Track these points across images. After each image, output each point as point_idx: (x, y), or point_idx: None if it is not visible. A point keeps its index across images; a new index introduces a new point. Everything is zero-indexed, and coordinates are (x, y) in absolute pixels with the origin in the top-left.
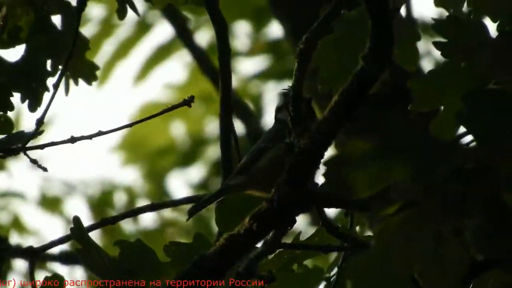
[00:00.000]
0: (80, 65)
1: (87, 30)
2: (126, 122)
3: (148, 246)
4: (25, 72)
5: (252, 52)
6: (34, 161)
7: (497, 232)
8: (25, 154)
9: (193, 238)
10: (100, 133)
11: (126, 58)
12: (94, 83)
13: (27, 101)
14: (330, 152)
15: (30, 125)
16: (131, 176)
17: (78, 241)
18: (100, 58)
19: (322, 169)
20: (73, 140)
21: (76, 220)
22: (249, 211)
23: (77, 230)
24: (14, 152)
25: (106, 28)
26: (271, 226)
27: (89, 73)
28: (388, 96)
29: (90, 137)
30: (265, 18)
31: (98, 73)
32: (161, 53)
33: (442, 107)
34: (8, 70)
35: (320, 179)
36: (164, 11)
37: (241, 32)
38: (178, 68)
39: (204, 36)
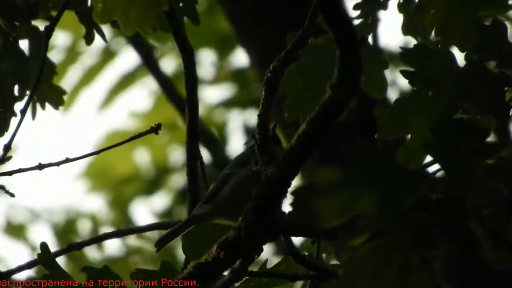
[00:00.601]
0: (47, 90)
1: (52, 57)
2: (90, 149)
3: (114, 273)
4: None
5: (216, 80)
6: (1, 187)
7: (464, 262)
8: None
9: (160, 266)
10: (67, 160)
11: (91, 85)
12: (59, 110)
13: None
14: (297, 181)
15: None
16: (95, 204)
17: (45, 266)
18: (65, 85)
19: (289, 198)
20: (41, 167)
21: (43, 245)
22: (216, 238)
23: (45, 256)
24: None
25: (71, 55)
26: (239, 255)
27: (56, 98)
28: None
29: (57, 164)
30: (229, 46)
31: (64, 98)
32: (126, 81)
33: (409, 136)
34: None
35: (287, 207)
36: (130, 38)
37: (206, 60)
38: (143, 95)
39: (169, 64)
